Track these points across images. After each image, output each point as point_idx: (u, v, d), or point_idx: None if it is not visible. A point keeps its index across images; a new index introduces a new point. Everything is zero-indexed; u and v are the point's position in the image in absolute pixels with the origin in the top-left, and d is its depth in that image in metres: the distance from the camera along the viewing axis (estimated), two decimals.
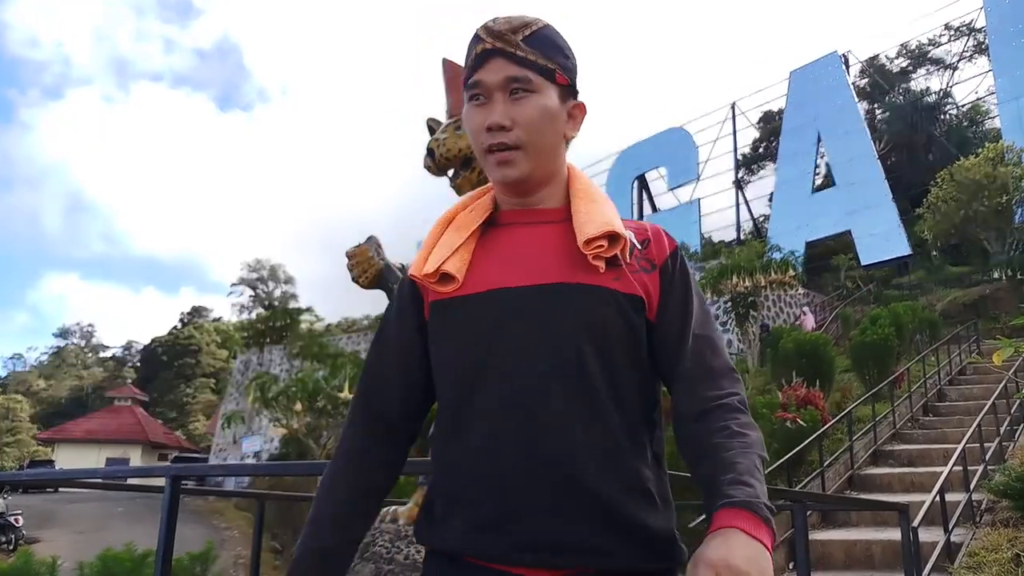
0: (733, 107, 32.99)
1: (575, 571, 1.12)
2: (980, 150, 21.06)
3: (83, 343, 78.54)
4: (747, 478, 1.05)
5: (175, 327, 69.64)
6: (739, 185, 34.78)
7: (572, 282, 1.20)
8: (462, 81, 1.30)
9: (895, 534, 6.35)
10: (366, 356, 1.42)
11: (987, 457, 8.67)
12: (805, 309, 22.89)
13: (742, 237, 32.52)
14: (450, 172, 2.79)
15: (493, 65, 1.24)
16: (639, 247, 1.26)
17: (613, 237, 1.21)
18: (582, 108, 1.33)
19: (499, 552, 1.14)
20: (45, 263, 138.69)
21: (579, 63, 1.34)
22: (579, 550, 1.12)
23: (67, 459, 41.85)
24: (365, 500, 1.31)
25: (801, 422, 9.93)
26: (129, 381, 62.21)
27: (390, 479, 1.36)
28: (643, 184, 35.96)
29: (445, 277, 1.25)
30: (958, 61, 31.45)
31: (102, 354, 78.16)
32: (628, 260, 1.23)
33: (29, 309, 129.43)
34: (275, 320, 33.95)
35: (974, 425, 8.75)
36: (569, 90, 1.29)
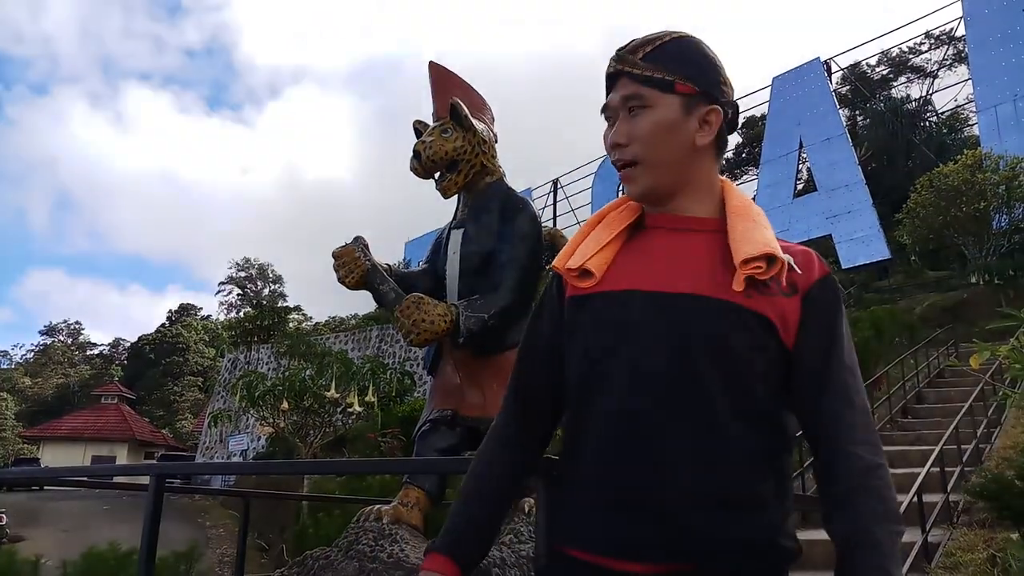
0: None
1: (677, 566, 1.15)
2: (959, 157, 21.21)
3: (70, 340, 77.80)
4: (883, 562, 1.08)
5: (163, 325, 69.07)
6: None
7: (701, 294, 1.21)
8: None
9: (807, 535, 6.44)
10: (518, 350, 1.46)
11: (964, 459, 8.78)
12: None
13: None
14: (436, 175, 2.82)
15: (617, 86, 1.31)
16: (797, 270, 1.24)
17: (771, 259, 1.21)
18: (717, 112, 1.31)
19: (604, 548, 1.18)
20: (29, 260, 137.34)
21: (720, 71, 1.33)
22: (675, 549, 1.14)
23: (53, 457, 41.46)
24: (512, 482, 1.39)
25: None
26: (116, 379, 61.65)
27: (533, 464, 1.44)
28: None
29: (585, 273, 1.29)
30: (938, 69, 31.70)
31: (89, 352, 77.44)
32: (771, 283, 1.21)
33: (12, 304, 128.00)
34: (263, 319, 33.80)
35: (951, 427, 8.85)
36: (699, 97, 1.29)
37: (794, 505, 1.26)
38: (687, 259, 1.26)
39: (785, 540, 1.20)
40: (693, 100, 1.28)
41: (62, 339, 77.57)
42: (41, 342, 76.70)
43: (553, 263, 1.35)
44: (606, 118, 1.34)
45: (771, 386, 1.22)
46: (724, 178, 1.37)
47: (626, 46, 1.31)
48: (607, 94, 1.33)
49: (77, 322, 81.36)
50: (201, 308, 74.09)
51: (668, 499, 1.15)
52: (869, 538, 1.10)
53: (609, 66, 1.32)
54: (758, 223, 1.27)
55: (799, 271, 1.24)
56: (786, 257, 1.22)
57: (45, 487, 27.31)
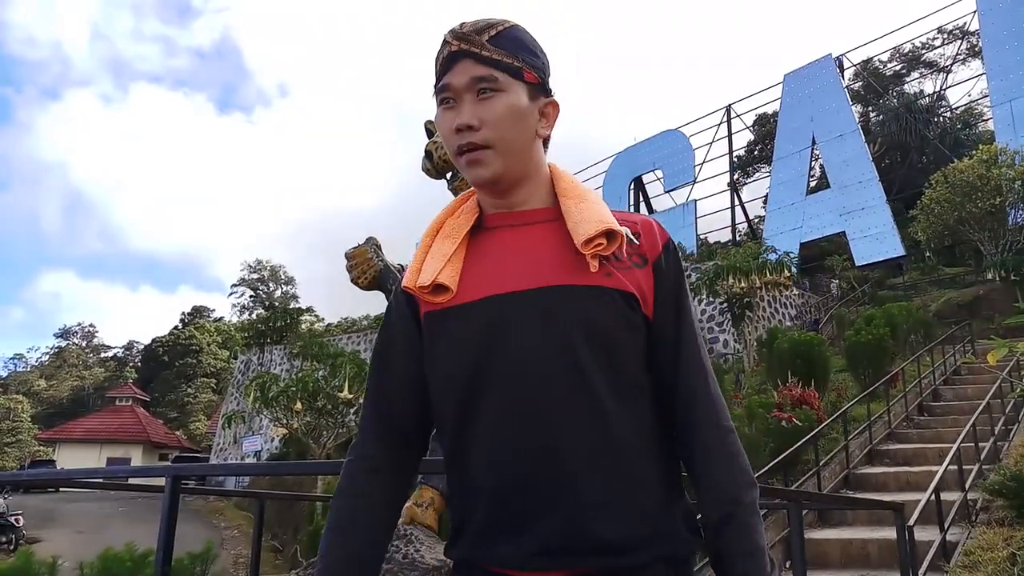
0: (729, 110, 33.02)
1: (586, 571, 1.13)
2: (973, 152, 21.09)
3: (84, 343, 78.46)
4: (749, 546, 1.14)
5: (176, 327, 69.51)
6: (734, 187, 34.80)
7: (566, 284, 1.19)
8: (433, 86, 1.29)
9: (891, 533, 6.39)
10: (370, 368, 1.40)
11: (982, 456, 8.73)
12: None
13: (737, 238, 32.53)
14: (448, 175, 2.82)
15: (459, 67, 1.24)
16: (635, 241, 1.24)
17: (610, 234, 1.20)
18: (555, 106, 1.31)
19: (511, 558, 1.15)
20: (42, 261, 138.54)
21: (552, 63, 1.32)
22: (588, 551, 1.12)
23: (68, 459, 41.80)
24: (389, 510, 1.30)
25: (796, 422, 9.97)
26: (130, 381, 62.10)
27: (407, 489, 1.38)
28: (639, 186, 35.95)
29: (439, 288, 1.24)
30: (951, 64, 31.50)
31: (103, 354, 78.07)
32: (622, 256, 1.21)
33: (25, 306, 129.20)
34: (275, 320, 33.93)
35: (969, 424, 8.78)
36: (540, 88, 1.28)
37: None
38: (537, 252, 1.23)
39: (689, 525, 1.20)
40: (536, 90, 1.27)
41: (76, 342, 78.27)
42: (56, 345, 77.45)
43: (403, 284, 1.28)
44: (443, 100, 1.26)
45: (642, 361, 1.22)
46: (552, 163, 1.35)
47: (466, 27, 1.25)
48: (442, 74, 1.26)
49: (91, 325, 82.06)
50: (214, 310, 74.65)
51: (569, 500, 1.13)
52: (735, 519, 1.15)
53: (449, 45, 1.25)
54: (590, 200, 1.26)
55: (644, 241, 1.25)
56: (624, 229, 1.22)
57: (61, 489, 27.55)
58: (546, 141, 1.32)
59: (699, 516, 1.20)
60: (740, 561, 1.13)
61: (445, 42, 1.26)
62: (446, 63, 1.25)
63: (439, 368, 1.25)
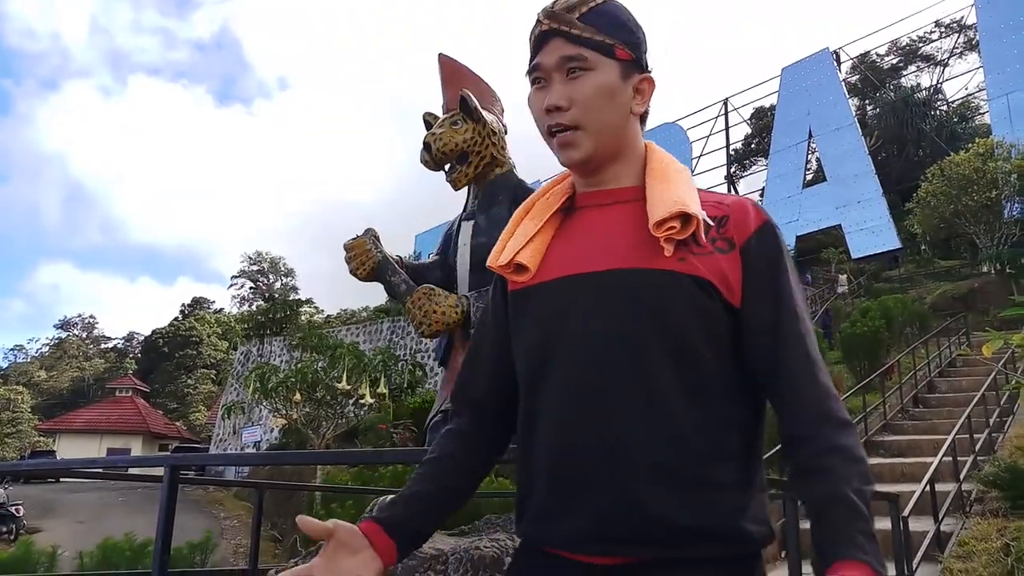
0: (726, 103, 32.94)
1: (640, 559, 1.11)
2: (970, 145, 21.07)
3: (84, 334, 78.41)
4: (864, 526, 1.01)
5: (176, 318, 69.54)
6: (731, 180, 34.74)
7: (635, 267, 1.16)
8: (528, 66, 1.27)
9: (886, 524, 6.43)
10: (467, 351, 1.43)
11: (977, 448, 8.77)
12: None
13: None
14: (447, 167, 2.83)
15: (550, 47, 1.22)
16: (712, 225, 1.17)
17: (685, 217, 1.14)
18: (651, 82, 1.28)
19: (562, 540, 1.15)
20: (41, 253, 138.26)
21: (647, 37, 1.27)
22: (642, 539, 1.10)
23: (68, 449, 41.81)
24: (467, 473, 1.32)
25: None
26: (130, 372, 62.09)
27: (489, 459, 1.37)
28: None
29: (519, 268, 1.25)
30: (948, 58, 31.46)
31: (103, 345, 78.05)
32: (702, 241, 1.15)
33: (25, 297, 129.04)
34: (275, 312, 33.94)
35: (964, 416, 8.83)
36: (634, 65, 1.24)
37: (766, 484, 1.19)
38: (616, 234, 1.21)
39: (752, 524, 1.12)
40: (629, 67, 1.24)
41: (76, 333, 78.24)
42: (56, 336, 77.46)
43: (488, 263, 1.31)
44: (534, 80, 1.25)
45: (723, 352, 1.15)
46: (649, 142, 1.31)
47: (557, 4, 1.23)
48: (533, 54, 1.24)
49: (91, 316, 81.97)
50: (214, 301, 74.66)
51: (620, 486, 1.10)
52: (848, 500, 1.03)
53: (540, 24, 1.23)
54: (673, 181, 1.22)
55: (733, 224, 1.18)
56: (701, 212, 1.16)
57: (61, 479, 27.59)
58: (643, 117, 1.29)
59: (807, 512, 1.07)
60: (841, 539, 1.01)
61: (537, 21, 1.25)
62: (538, 42, 1.24)
63: (518, 345, 1.26)
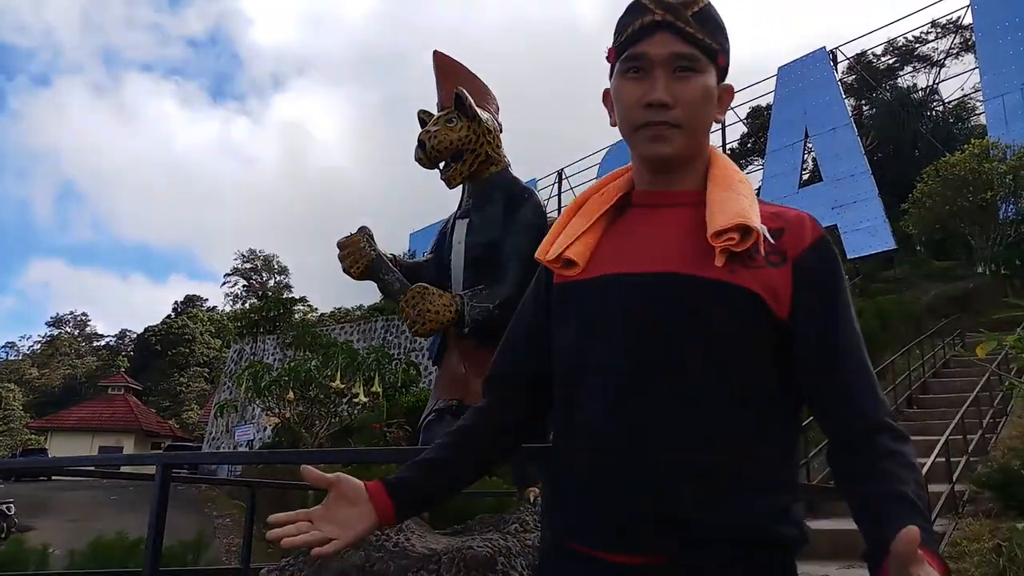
0: None
1: (669, 559, 1.11)
2: (965, 146, 21.13)
3: (76, 332, 78.16)
4: (928, 525, 1.00)
5: (169, 316, 69.38)
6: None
7: (683, 272, 1.15)
8: (611, 50, 1.25)
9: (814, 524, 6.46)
10: (503, 339, 1.46)
11: (970, 449, 8.81)
12: None
13: None
14: (441, 164, 2.82)
15: (660, 38, 1.18)
16: (771, 240, 1.16)
17: (745, 230, 1.14)
18: (730, 91, 1.29)
19: (593, 538, 1.15)
20: (34, 250, 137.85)
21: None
22: (666, 539, 1.10)
23: (60, 448, 41.69)
24: (486, 447, 1.36)
25: None
26: (123, 370, 61.93)
27: (512, 438, 1.40)
28: None
29: (568, 262, 1.25)
30: (944, 58, 31.55)
31: (96, 343, 77.81)
32: (756, 255, 1.15)
33: (16, 295, 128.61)
34: (269, 310, 33.89)
35: (957, 417, 8.83)
36: (724, 72, 1.25)
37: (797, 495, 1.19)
38: (668, 236, 1.21)
39: (786, 527, 1.13)
40: (722, 74, 1.25)
41: (69, 330, 77.98)
42: (48, 333, 77.18)
43: (536, 255, 1.32)
44: (629, 68, 1.21)
45: (764, 363, 1.15)
46: (712, 147, 1.32)
47: None
48: (635, 41, 1.20)
49: (84, 313, 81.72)
50: (207, 299, 74.52)
51: (655, 486, 1.10)
52: (910, 499, 1.02)
53: (652, 13, 1.19)
54: (735, 191, 1.21)
55: (788, 238, 1.17)
56: (761, 227, 1.15)
57: (53, 477, 27.49)
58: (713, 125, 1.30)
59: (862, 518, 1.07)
60: (893, 467, 1.05)
61: (644, 8, 1.20)
62: (644, 31, 1.19)
63: (559, 340, 1.27)
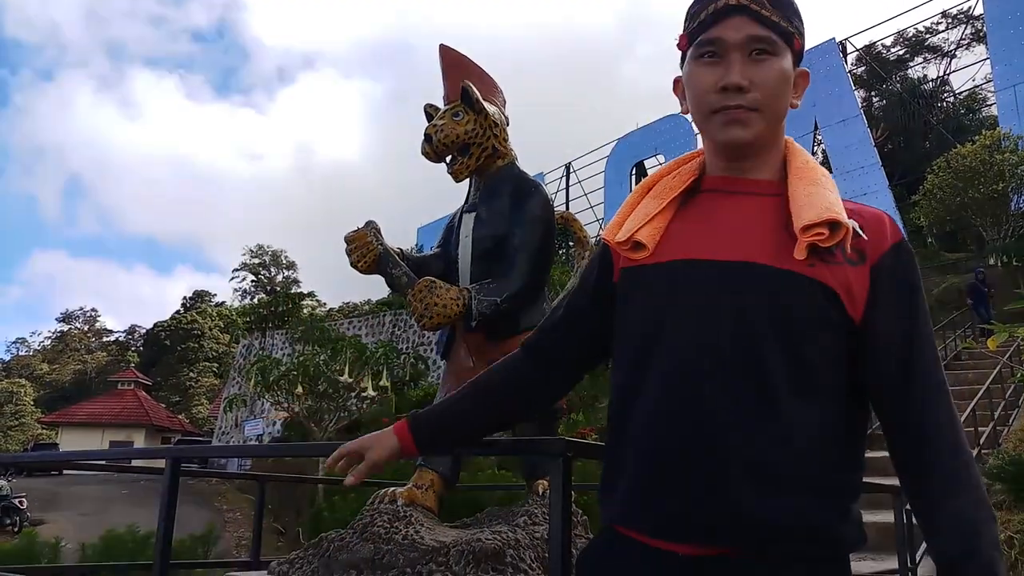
0: None
1: (724, 551, 1.10)
2: (977, 137, 20.99)
3: (86, 327, 78.59)
4: (992, 549, 1.03)
5: (178, 311, 69.64)
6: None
7: (761, 262, 1.13)
8: (683, 37, 1.24)
9: (889, 516, 6.42)
10: (551, 310, 1.50)
11: (981, 441, 8.76)
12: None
13: None
14: (448, 158, 2.81)
15: (735, 22, 1.17)
16: (862, 235, 1.14)
17: (835, 225, 1.12)
18: (806, 76, 1.28)
19: (650, 525, 1.14)
20: (38, 244, 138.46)
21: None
22: (726, 533, 1.09)
23: (71, 442, 41.94)
24: (513, 395, 1.43)
25: None
26: (132, 365, 62.27)
27: (541, 398, 1.47)
28: (641, 172, 35.80)
29: (637, 245, 1.23)
30: (955, 49, 31.31)
31: (105, 338, 78.23)
32: (835, 251, 1.13)
33: (24, 287, 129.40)
34: (277, 305, 33.96)
35: (968, 409, 8.79)
36: (799, 57, 1.24)
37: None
38: (745, 225, 1.18)
39: (845, 526, 1.12)
40: (797, 58, 1.23)
41: (78, 326, 78.39)
42: (58, 329, 77.60)
43: (603, 234, 1.31)
44: (704, 53, 1.20)
45: (835, 360, 1.13)
46: (788, 138, 1.29)
47: None
48: (708, 25, 1.19)
49: (93, 309, 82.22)
50: (215, 294, 74.72)
51: (715, 475, 1.09)
52: (978, 554, 1.04)
53: None
54: (821, 185, 1.18)
55: (867, 237, 1.15)
56: (851, 223, 1.13)
57: (64, 471, 27.69)
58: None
59: (935, 552, 1.09)
60: (969, 505, 1.06)
61: None
62: (719, 15, 1.18)
63: (627, 323, 1.25)
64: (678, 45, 1.26)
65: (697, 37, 1.21)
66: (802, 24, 1.23)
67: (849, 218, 1.15)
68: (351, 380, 16.04)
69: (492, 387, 1.43)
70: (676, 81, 1.31)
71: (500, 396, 1.43)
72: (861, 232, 1.14)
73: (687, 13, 1.24)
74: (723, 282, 1.14)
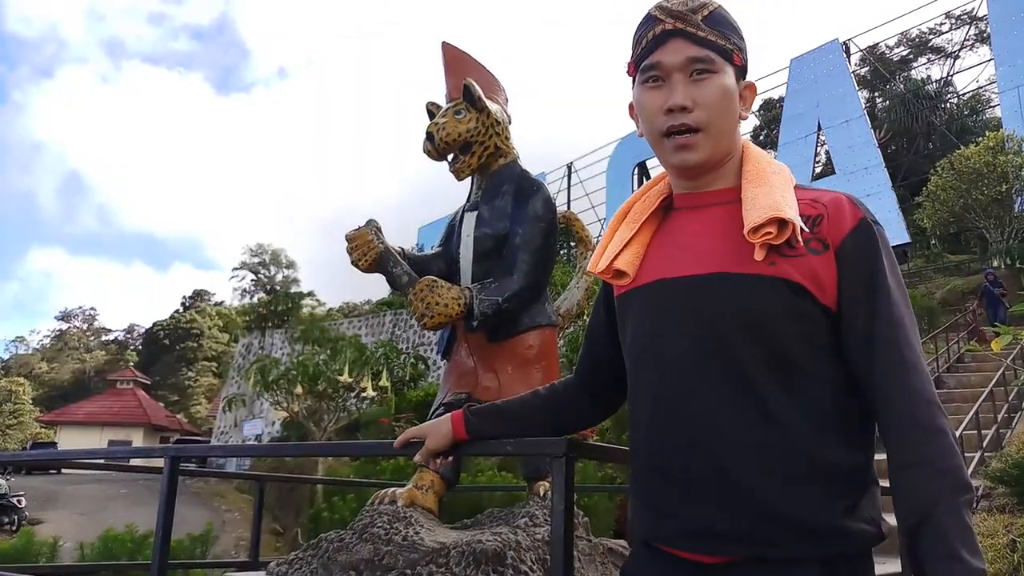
0: None
1: (744, 557, 1.12)
2: (980, 139, 21.01)
3: (85, 326, 78.67)
4: (954, 546, 1.02)
5: (177, 311, 69.77)
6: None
7: (725, 271, 1.18)
8: (630, 64, 1.29)
9: (892, 519, 6.41)
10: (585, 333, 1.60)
11: (984, 444, 8.76)
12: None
13: None
14: (449, 157, 2.80)
15: (673, 46, 1.22)
16: (807, 229, 1.17)
17: (781, 222, 1.14)
18: (753, 88, 1.32)
19: (670, 537, 1.20)
20: (36, 240, 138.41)
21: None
22: (735, 539, 1.12)
23: (70, 441, 42.02)
24: (556, 411, 1.53)
25: None
26: (131, 364, 62.33)
27: (571, 418, 1.57)
28: (644, 171, 35.91)
29: (619, 273, 1.30)
30: (959, 50, 31.34)
31: (104, 337, 78.30)
32: (795, 243, 1.16)
33: (20, 283, 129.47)
34: (277, 304, 33.94)
35: (971, 412, 8.79)
36: (743, 71, 1.28)
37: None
38: (710, 237, 1.23)
39: (859, 524, 1.13)
40: (740, 72, 1.27)
41: (77, 325, 78.47)
42: (57, 328, 77.69)
43: (588, 268, 1.46)
44: (649, 78, 1.25)
45: (817, 351, 1.16)
46: (746, 141, 1.33)
47: (678, 4, 1.24)
48: (650, 51, 1.24)
49: (92, 308, 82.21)
50: (214, 293, 74.82)
51: (713, 488, 1.13)
52: (931, 521, 1.04)
53: (662, 23, 1.23)
54: (768, 184, 1.22)
55: (828, 224, 1.18)
56: (795, 219, 1.15)
57: (62, 471, 27.69)
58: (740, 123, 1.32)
59: (897, 522, 1.10)
60: (931, 565, 1.04)
61: (655, 19, 1.25)
62: (657, 41, 1.24)
63: (624, 346, 1.34)
64: (627, 72, 1.30)
65: (641, 63, 1.26)
66: (742, 40, 1.27)
67: (808, 207, 1.19)
68: (351, 380, 16.03)
69: (542, 398, 1.54)
70: (630, 106, 1.35)
71: (546, 407, 1.53)
72: (804, 226, 1.16)
73: (632, 40, 1.30)
74: (694, 296, 1.19)
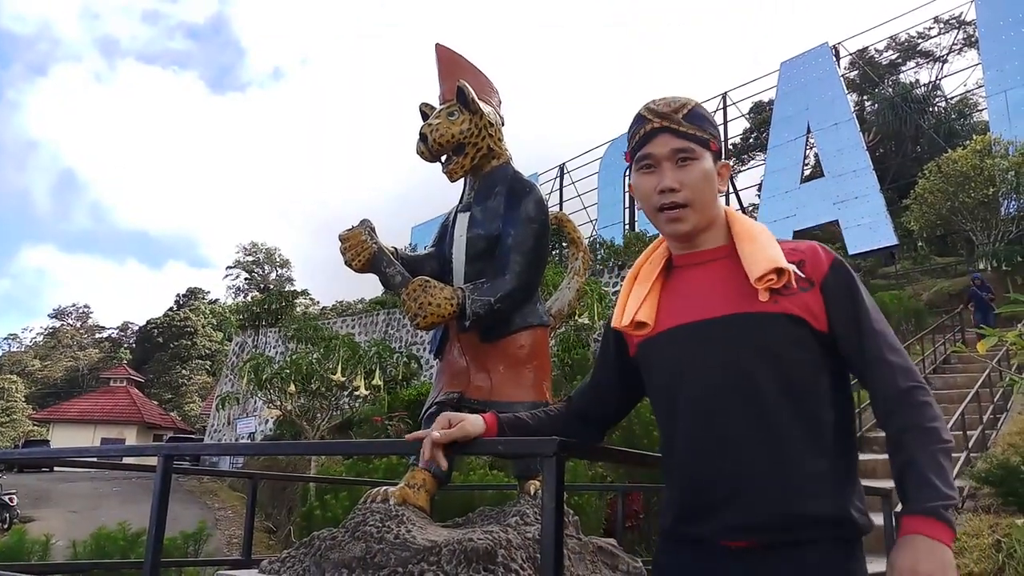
0: (724, 97, 32.85)
1: (766, 541, 1.39)
2: (968, 142, 21.08)
3: (79, 324, 78.21)
4: (928, 477, 1.29)
5: (171, 309, 69.44)
6: (730, 175, 34.62)
7: (739, 312, 1.46)
8: (627, 154, 1.60)
9: (879, 519, 6.45)
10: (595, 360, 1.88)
11: (970, 445, 8.83)
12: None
13: None
14: (443, 158, 2.81)
15: (661, 139, 1.52)
16: (799, 273, 1.46)
17: (779, 271, 1.44)
18: (727, 167, 1.62)
19: (710, 531, 1.45)
20: (28, 238, 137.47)
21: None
22: (759, 529, 1.39)
23: (62, 439, 41.80)
24: (552, 426, 1.73)
25: None
26: (124, 362, 61.97)
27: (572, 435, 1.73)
28: None
29: (640, 324, 1.57)
30: (947, 54, 31.45)
31: (98, 335, 77.86)
32: (791, 285, 1.45)
33: (13, 279, 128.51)
34: (270, 303, 33.81)
35: (957, 413, 8.85)
36: (718, 154, 1.57)
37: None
38: (715, 286, 1.51)
39: (855, 513, 1.40)
40: (716, 156, 1.56)
41: (71, 322, 78.02)
42: (50, 325, 77.25)
43: (612, 324, 1.65)
44: (643, 166, 1.55)
45: (819, 369, 1.44)
46: (727, 207, 1.62)
47: (662, 106, 1.54)
48: (642, 144, 1.54)
49: (86, 305, 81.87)
50: (209, 292, 74.47)
51: (743, 488, 1.40)
52: (913, 462, 1.32)
53: (651, 122, 1.54)
54: (759, 241, 1.51)
55: (809, 266, 1.47)
56: (790, 266, 1.44)
57: (55, 468, 27.52)
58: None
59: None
60: (911, 493, 1.30)
61: (645, 119, 1.55)
62: (647, 136, 1.54)
63: (654, 383, 1.60)
64: (625, 159, 1.61)
65: (636, 153, 1.57)
66: (715, 128, 1.58)
67: (790, 255, 1.48)
68: (344, 379, 16.01)
69: (549, 416, 1.77)
70: (631, 187, 1.65)
71: (551, 427, 1.72)
72: (799, 269, 1.46)
73: (628, 134, 1.60)
74: (714, 335, 1.47)
